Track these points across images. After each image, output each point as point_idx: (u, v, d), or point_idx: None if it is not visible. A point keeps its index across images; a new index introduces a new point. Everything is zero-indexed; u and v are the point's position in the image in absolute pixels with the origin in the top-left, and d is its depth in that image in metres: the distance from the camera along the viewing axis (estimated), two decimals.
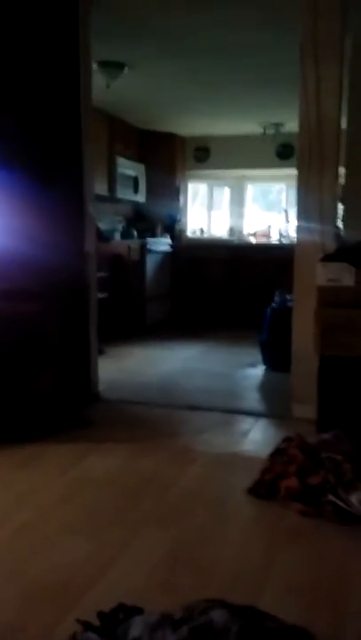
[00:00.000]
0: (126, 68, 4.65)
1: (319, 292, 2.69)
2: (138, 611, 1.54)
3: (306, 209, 3.12)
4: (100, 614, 1.49)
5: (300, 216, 3.14)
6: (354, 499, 2.01)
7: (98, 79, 4.61)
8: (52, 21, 3.24)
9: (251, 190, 7.59)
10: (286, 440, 2.45)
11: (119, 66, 4.63)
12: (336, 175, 3.11)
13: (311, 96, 3.07)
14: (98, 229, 4.52)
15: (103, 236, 5.19)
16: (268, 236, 7.06)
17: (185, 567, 1.81)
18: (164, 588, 1.70)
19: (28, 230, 3.20)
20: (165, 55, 4.43)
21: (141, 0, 3.43)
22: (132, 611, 1.53)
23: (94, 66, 4.49)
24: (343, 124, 3.83)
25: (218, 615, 1.31)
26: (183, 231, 7.51)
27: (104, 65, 4.58)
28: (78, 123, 3.41)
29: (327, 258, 2.75)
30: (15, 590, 1.68)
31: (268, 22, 3.66)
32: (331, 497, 2.08)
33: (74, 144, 3.39)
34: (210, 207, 7.73)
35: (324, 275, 2.68)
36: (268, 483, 2.24)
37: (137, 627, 1.34)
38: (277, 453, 2.36)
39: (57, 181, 3.26)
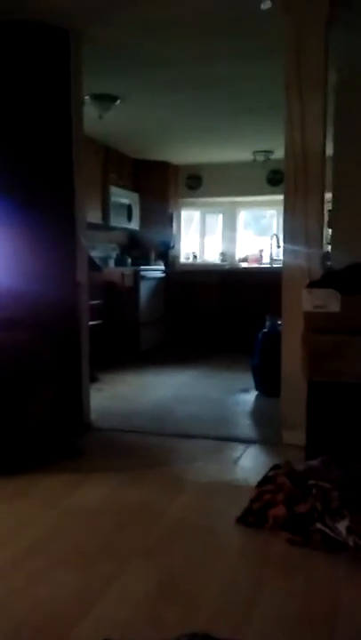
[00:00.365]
0: (118, 101, 4.76)
1: (306, 317, 2.71)
2: None
3: (293, 234, 3.16)
4: None
5: (286, 241, 3.18)
6: (341, 527, 2.01)
7: (91, 111, 4.72)
8: (43, 57, 3.33)
9: (243, 216, 7.69)
10: (275, 468, 2.45)
11: (111, 98, 4.73)
12: (322, 201, 3.16)
13: (296, 126, 3.14)
14: (90, 258, 4.56)
15: (96, 265, 5.24)
16: (259, 260, 7.13)
17: (172, 599, 1.80)
18: (150, 621, 1.69)
19: (19, 261, 3.25)
20: (155, 87, 4.54)
21: (130, 36, 3.53)
22: None
23: (87, 98, 4.60)
24: (330, 151, 3.93)
25: None
26: (177, 257, 7.59)
27: (97, 97, 4.69)
28: (69, 154, 3.48)
29: (313, 284, 2.78)
30: None
31: (252, 53, 3.76)
32: (318, 525, 2.08)
33: (65, 175, 3.45)
34: (203, 233, 7.81)
35: (310, 301, 2.71)
36: (257, 512, 2.24)
37: None
38: (266, 482, 2.36)
39: (48, 212, 3.32)
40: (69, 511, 2.44)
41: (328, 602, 1.78)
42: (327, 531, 2.05)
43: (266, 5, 3.02)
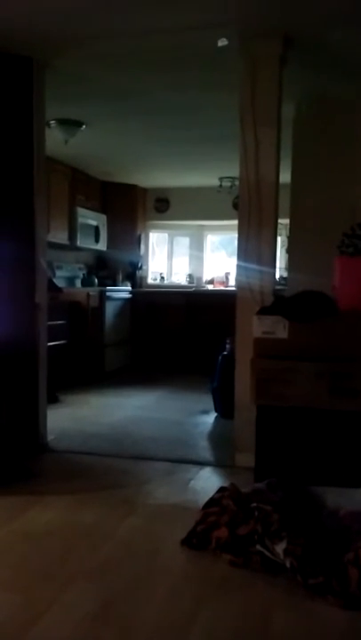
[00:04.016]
0: (84, 126, 4.84)
1: (255, 343, 2.79)
2: None
3: (246, 261, 3.25)
4: None
5: (239, 269, 3.27)
6: (279, 549, 2.06)
7: (57, 135, 4.79)
8: (4, 83, 3.39)
9: (214, 238, 7.81)
10: (221, 490, 2.50)
11: (77, 123, 4.82)
12: (274, 229, 3.27)
13: (250, 157, 3.25)
14: (50, 279, 4.60)
15: (56, 286, 5.28)
16: (225, 283, 7.24)
17: (110, 622, 1.83)
18: None
19: None
20: (120, 114, 4.64)
21: (92, 67, 3.63)
22: None
23: (53, 123, 4.68)
24: (288, 179, 4.06)
25: None
26: (144, 278, 7.66)
27: (62, 122, 4.76)
28: (30, 176, 3.53)
29: (263, 310, 2.87)
30: None
31: (215, 85, 3.88)
32: (258, 547, 2.13)
33: (25, 197, 3.49)
34: (170, 255, 7.91)
35: (259, 327, 2.79)
36: (200, 533, 2.28)
37: None
38: (211, 504, 2.41)
39: (6, 234, 3.35)
40: (16, 533, 2.44)
41: (262, 623, 1.83)
42: (266, 552, 2.10)
43: (222, 42, 3.15)
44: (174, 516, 2.62)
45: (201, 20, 2.98)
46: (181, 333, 6.64)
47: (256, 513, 2.23)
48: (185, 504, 2.74)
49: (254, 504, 2.28)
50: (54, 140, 4.67)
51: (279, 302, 2.97)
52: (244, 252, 3.25)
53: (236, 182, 6.75)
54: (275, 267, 3.33)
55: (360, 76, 3.65)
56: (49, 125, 4.52)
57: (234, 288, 3.15)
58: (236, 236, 3.31)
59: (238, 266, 3.28)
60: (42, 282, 3.61)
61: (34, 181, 3.54)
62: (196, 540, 2.27)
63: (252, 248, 3.23)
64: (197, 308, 6.65)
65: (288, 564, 2.02)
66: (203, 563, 2.19)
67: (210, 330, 6.16)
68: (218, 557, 2.20)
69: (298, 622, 1.84)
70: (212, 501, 2.43)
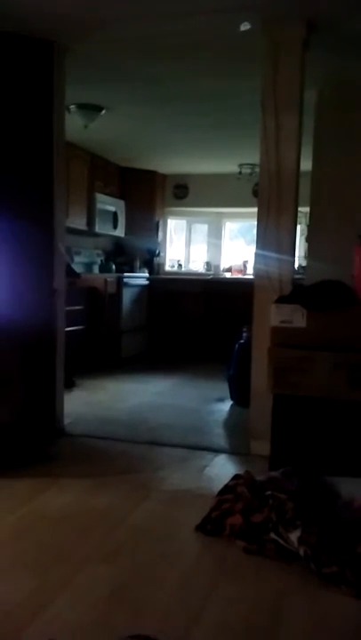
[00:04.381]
0: (104, 111, 4.82)
1: (272, 332, 2.78)
2: None
3: (265, 249, 3.23)
4: None
5: (258, 257, 3.25)
6: (293, 537, 2.07)
7: (77, 120, 4.78)
8: (26, 67, 3.38)
9: (233, 226, 7.77)
10: (235, 478, 2.51)
11: (97, 108, 4.79)
12: (294, 216, 3.23)
13: (271, 143, 3.21)
14: (68, 265, 4.61)
15: (74, 271, 5.30)
16: (243, 271, 7.21)
17: (123, 603, 1.85)
18: (99, 625, 1.74)
19: None
20: (140, 99, 4.61)
21: (114, 49, 3.60)
22: None
23: (73, 107, 4.67)
24: (308, 167, 4.01)
25: None
26: (162, 265, 7.65)
27: (82, 107, 4.75)
28: (50, 162, 3.53)
29: (281, 299, 2.85)
30: None
31: (238, 70, 3.84)
32: (272, 535, 2.13)
33: (44, 182, 3.50)
34: (188, 242, 7.89)
35: (277, 316, 2.78)
36: (215, 520, 2.29)
37: None
38: (226, 491, 2.42)
39: (25, 219, 3.35)
40: (33, 515, 2.48)
41: (273, 610, 1.83)
42: (280, 540, 2.11)
43: (245, 27, 3.10)
44: (189, 501, 2.63)
45: (224, 3, 2.94)
46: (198, 321, 6.64)
47: (271, 501, 2.23)
48: (199, 490, 2.76)
49: (269, 492, 2.29)
50: (74, 124, 4.65)
51: (298, 291, 2.95)
52: (263, 240, 3.23)
53: (256, 169, 6.72)
54: (294, 255, 3.29)
55: None
56: (69, 110, 4.52)
57: (252, 276, 3.14)
58: (255, 223, 3.28)
59: (257, 254, 3.26)
60: (60, 267, 3.62)
61: (53, 166, 3.53)
62: (211, 527, 2.28)
63: (272, 236, 3.20)
64: (215, 296, 6.63)
65: (302, 553, 2.02)
66: (216, 549, 2.21)
67: (227, 318, 6.15)
68: (232, 544, 2.21)
69: (311, 610, 1.84)
70: (226, 488, 2.44)
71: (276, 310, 2.78)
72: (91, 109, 4.77)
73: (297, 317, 2.74)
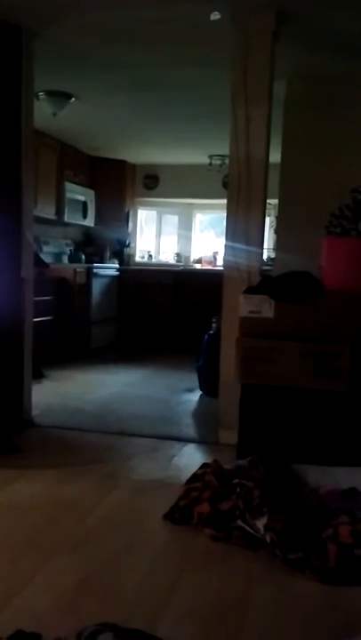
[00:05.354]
0: (73, 99, 4.76)
1: (241, 322, 2.80)
2: (36, 637, 1.58)
3: (234, 239, 3.25)
4: None
5: (227, 248, 3.27)
6: (260, 524, 2.10)
7: (46, 108, 4.71)
8: None
9: (201, 217, 7.77)
10: (203, 466, 2.53)
11: (66, 96, 4.73)
12: (263, 207, 3.26)
13: (241, 134, 3.23)
14: (37, 254, 4.56)
15: (43, 261, 5.24)
16: (213, 263, 7.23)
17: (90, 593, 1.86)
18: (67, 614, 1.74)
19: None
20: (110, 87, 4.56)
21: (84, 35, 3.55)
22: (30, 637, 1.58)
23: (42, 95, 4.60)
24: (278, 159, 4.04)
25: (104, 638, 1.37)
26: (132, 256, 7.62)
27: (51, 94, 4.68)
28: (18, 149, 3.47)
29: (250, 290, 2.87)
30: None
31: (206, 61, 3.83)
32: (239, 522, 2.16)
33: (12, 170, 3.44)
34: (159, 233, 7.87)
35: (246, 306, 2.80)
36: (183, 508, 2.31)
37: None
38: (194, 480, 2.44)
39: None
40: (1, 505, 2.46)
41: (240, 596, 1.86)
42: (247, 528, 2.14)
43: (215, 16, 3.09)
44: (157, 491, 2.65)
45: None
46: (168, 312, 6.64)
47: (238, 489, 2.26)
48: (168, 480, 2.77)
49: (236, 480, 2.31)
50: (43, 112, 4.59)
51: (266, 282, 2.98)
52: (232, 232, 3.25)
53: (227, 161, 6.70)
54: (262, 247, 3.32)
55: (352, 53, 3.61)
56: (37, 97, 4.44)
57: (221, 268, 3.15)
58: (225, 215, 3.30)
59: (226, 245, 3.28)
60: (28, 256, 3.57)
61: (21, 154, 3.48)
62: (179, 515, 2.30)
63: (241, 227, 3.22)
64: (185, 287, 6.64)
65: (268, 540, 2.06)
66: (185, 537, 2.23)
67: (197, 309, 6.16)
68: (199, 532, 2.23)
69: (277, 595, 1.88)
70: (194, 477, 2.46)
71: (245, 301, 2.80)
72: (60, 97, 4.70)
73: (265, 308, 2.77)
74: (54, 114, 4.80)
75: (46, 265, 5.30)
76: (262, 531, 2.08)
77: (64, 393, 4.46)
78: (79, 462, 3.01)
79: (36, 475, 2.81)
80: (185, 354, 5.66)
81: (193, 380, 4.72)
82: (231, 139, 3.24)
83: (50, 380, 4.86)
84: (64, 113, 4.86)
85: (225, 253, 3.32)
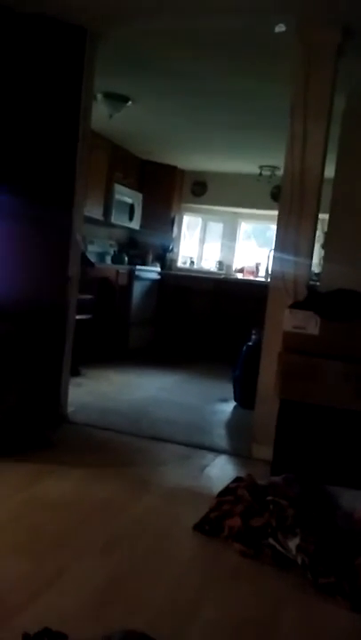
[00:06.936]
0: (130, 102, 4.80)
1: (284, 337, 2.77)
2: (62, 637, 1.58)
3: (283, 252, 3.21)
4: (25, 636, 1.54)
5: (275, 259, 3.24)
6: (292, 544, 2.06)
7: (102, 109, 4.77)
8: (56, 53, 3.37)
9: (247, 226, 7.74)
10: (237, 480, 2.50)
11: (123, 98, 4.78)
12: (314, 221, 3.22)
13: (297, 147, 3.19)
14: (83, 254, 4.60)
15: (89, 261, 5.29)
16: (255, 273, 7.18)
17: (117, 597, 1.85)
18: (92, 617, 1.74)
19: (11, 253, 3.29)
20: (168, 93, 4.59)
21: (146, 40, 3.58)
22: (57, 636, 1.58)
23: (100, 96, 4.66)
24: (331, 173, 3.98)
25: None
26: (174, 261, 7.64)
27: (108, 96, 4.73)
28: (74, 150, 3.52)
29: (296, 305, 2.84)
30: None
31: (266, 73, 3.82)
32: (270, 540, 2.13)
33: (67, 171, 3.49)
34: (202, 240, 7.87)
35: (290, 321, 2.77)
36: (214, 520, 2.29)
37: None
38: (226, 493, 2.41)
39: (45, 206, 3.35)
40: (32, 501, 2.48)
41: (268, 616, 1.83)
42: (278, 546, 2.10)
43: (280, 29, 3.08)
44: (188, 500, 2.63)
45: (261, 3, 2.91)
46: (207, 319, 6.63)
47: (271, 506, 2.23)
48: (199, 489, 2.75)
49: (270, 497, 2.28)
50: (99, 113, 4.64)
51: (313, 298, 2.93)
52: (281, 242, 3.21)
53: (277, 172, 6.70)
54: (311, 259, 3.28)
55: None
56: (95, 98, 4.50)
57: (263, 279, 3.14)
58: (270, 226, 3.30)
59: (274, 256, 3.24)
60: (76, 255, 3.61)
61: (77, 154, 3.53)
62: (209, 527, 2.28)
63: (290, 239, 3.18)
64: (225, 296, 6.62)
65: (299, 561, 2.02)
66: (213, 549, 2.20)
67: (235, 318, 6.14)
68: (229, 546, 2.21)
69: (305, 619, 1.84)
70: (227, 490, 2.43)
71: (290, 315, 2.76)
72: (117, 99, 4.75)
73: (310, 324, 2.73)
74: (110, 116, 4.86)
75: (92, 264, 5.35)
76: (294, 551, 2.04)
77: (99, 392, 4.49)
78: (111, 463, 3.02)
79: (68, 472, 2.83)
80: (220, 363, 5.65)
81: (227, 389, 4.69)
82: (287, 151, 3.21)
83: (86, 378, 4.90)
84: (119, 115, 4.91)
85: (273, 264, 3.28)
